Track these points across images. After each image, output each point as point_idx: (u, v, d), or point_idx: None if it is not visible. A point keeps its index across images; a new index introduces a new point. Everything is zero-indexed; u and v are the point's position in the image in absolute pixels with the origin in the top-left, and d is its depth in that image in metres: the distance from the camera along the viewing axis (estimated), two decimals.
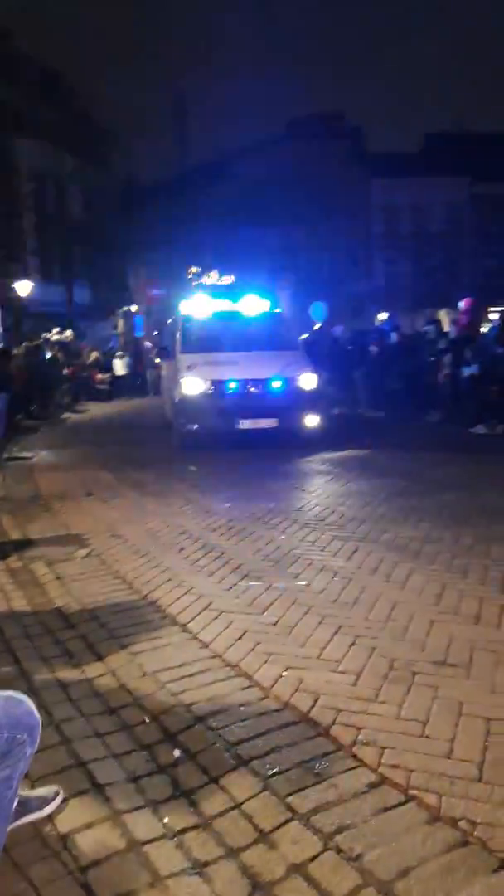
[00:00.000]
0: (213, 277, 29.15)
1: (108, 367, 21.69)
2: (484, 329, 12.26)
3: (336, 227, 34.53)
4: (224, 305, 10.93)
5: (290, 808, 2.17)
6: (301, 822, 2.11)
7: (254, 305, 10.61)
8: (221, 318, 10.56)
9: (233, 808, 2.19)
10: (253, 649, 3.26)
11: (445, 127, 38.96)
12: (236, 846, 2.03)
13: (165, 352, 11.09)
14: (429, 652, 3.19)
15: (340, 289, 29.88)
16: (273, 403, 8.85)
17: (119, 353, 23.52)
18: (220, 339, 9.78)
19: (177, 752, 2.49)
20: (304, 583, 4.13)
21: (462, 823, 2.06)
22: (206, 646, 3.31)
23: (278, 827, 2.10)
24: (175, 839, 2.07)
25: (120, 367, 22.31)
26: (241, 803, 2.21)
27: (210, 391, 8.81)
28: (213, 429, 8.74)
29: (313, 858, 1.96)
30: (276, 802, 2.19)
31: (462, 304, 12.20)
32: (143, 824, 2.15)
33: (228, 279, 21.61)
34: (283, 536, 5.15)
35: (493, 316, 12.07)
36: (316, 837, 2.03)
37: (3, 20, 29.60)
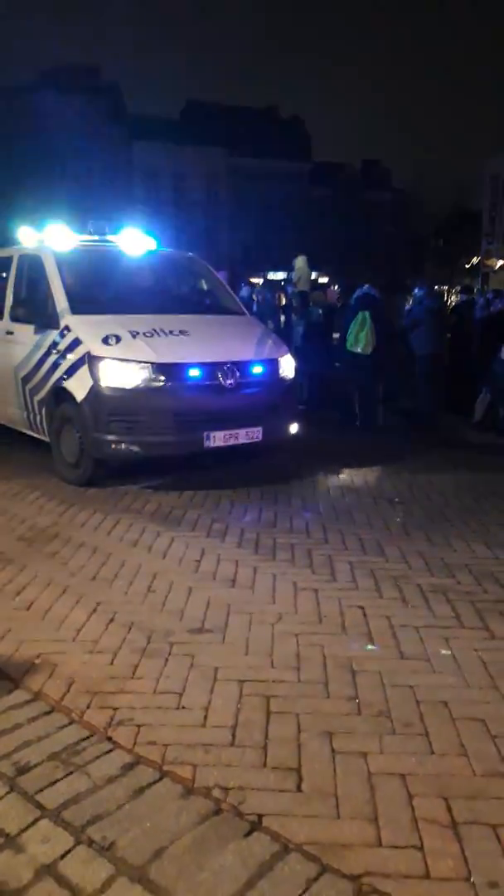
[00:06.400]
0: None
1: None
2: None
3: (98, 186, 33.44)
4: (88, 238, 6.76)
5: (39, 805, 2.04)
6: (51, 818, 1.99)
7: (137, 243, 6.72)
8: (105, 258, 6.57)
9: None
10: (3, 637, 3.03)
11: (204, 96, 39.39)
12: None
13: (28, 310, 6.05)
14: (187, 620, 3.21)
15: None
16: (253, 403, 5.62)
17: None
18: (127, 292, 6.26)
19: None
20: (61, 562, 3.94)
21: (215, 792, 2.09)
22: None
23: (26, 828, 1.96)
24: None
25: None
26: None
27: (156, 383, 5.25)
28: (164, 447, 5.30)
29: (64, 856, 1.86)
30: (23, 802, 2.05)
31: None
32: None
33: None
34: (38, 513, 4.88)
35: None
36: (67, 833, 1.94)
37: None
